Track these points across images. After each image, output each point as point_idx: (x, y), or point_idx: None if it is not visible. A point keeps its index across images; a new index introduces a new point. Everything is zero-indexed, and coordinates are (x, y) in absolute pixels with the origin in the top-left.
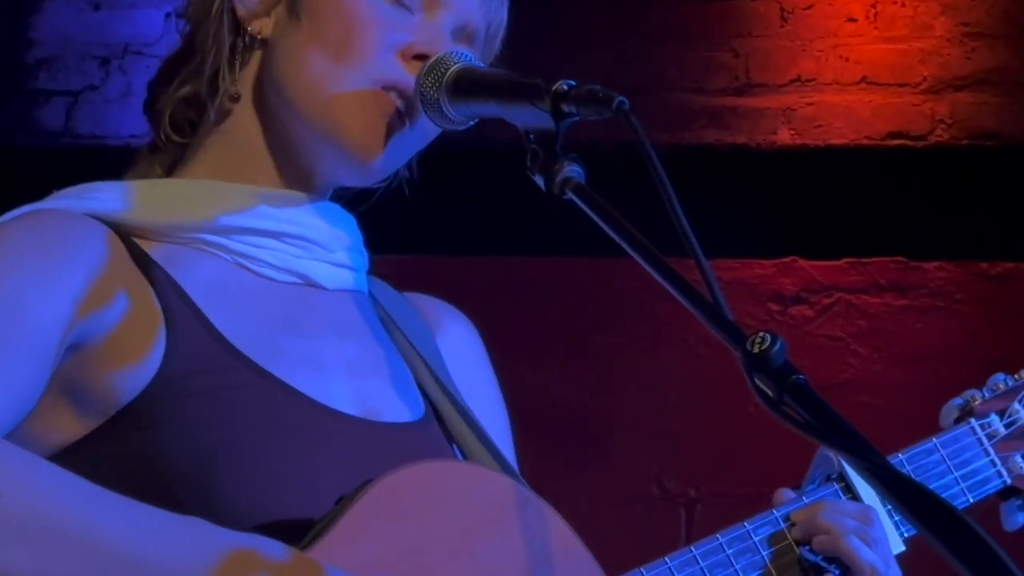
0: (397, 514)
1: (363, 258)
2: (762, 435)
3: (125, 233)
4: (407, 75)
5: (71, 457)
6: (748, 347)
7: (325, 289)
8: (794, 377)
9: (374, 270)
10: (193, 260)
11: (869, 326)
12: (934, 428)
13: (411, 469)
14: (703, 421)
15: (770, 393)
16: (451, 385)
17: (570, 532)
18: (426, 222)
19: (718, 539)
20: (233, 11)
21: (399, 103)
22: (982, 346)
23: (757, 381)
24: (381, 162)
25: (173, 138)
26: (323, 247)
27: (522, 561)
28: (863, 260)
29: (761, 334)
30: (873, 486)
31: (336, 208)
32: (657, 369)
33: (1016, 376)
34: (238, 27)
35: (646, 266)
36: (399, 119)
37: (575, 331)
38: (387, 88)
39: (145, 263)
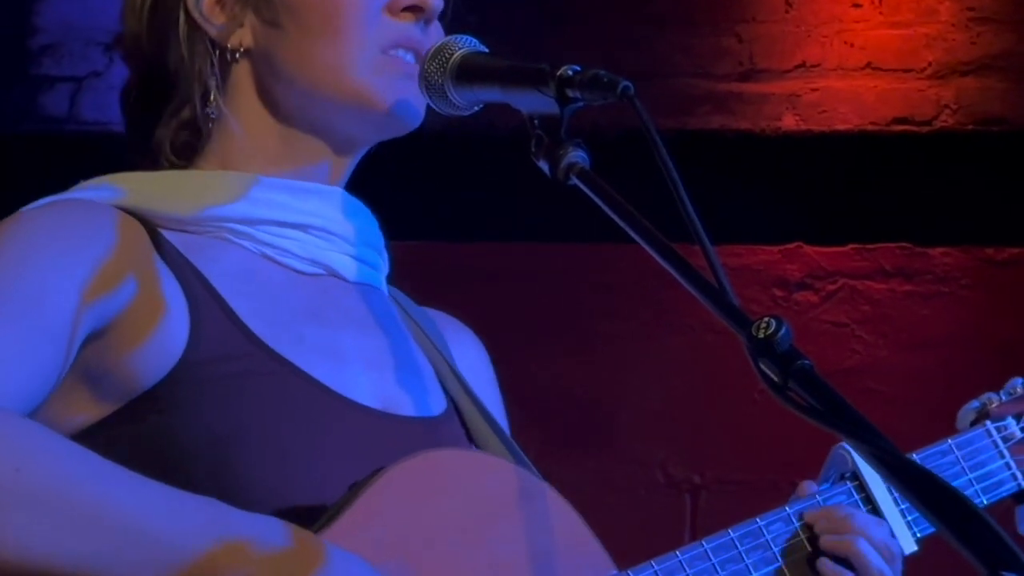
0: (409, 500)
1: (383, 260)
2: (768, 422)
3: (150, 223)
4: (405, 29)
5: (89, 439)
6: (753, 332)
7: (348, 281)
8: (799, 362)
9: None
10: (218, 250)
11: (874, 312)
12: (939, 414)
13: (424, 456)
14: (708, 408)
15: (775, 378)
16: (470, 387)
17: (582, 524)
18: (431, 208)
19: (730, 534)
20: (201, 30)
21: (410, 59)
22: (987, 332)
23: (762, 366)
24: (417, 115)
25: (178, 163)
26: (346, 240)
27: (532, 550)
28: (868, 246)
29: (766, 319)
30: (878, 471)
31: (359, 205)
32: (662, 355)
33: None
34: (212, 45)
35: (651, 251)
36: (414, 73)
37: (580, 317)
38: (394, 48)
39: (169, 252)
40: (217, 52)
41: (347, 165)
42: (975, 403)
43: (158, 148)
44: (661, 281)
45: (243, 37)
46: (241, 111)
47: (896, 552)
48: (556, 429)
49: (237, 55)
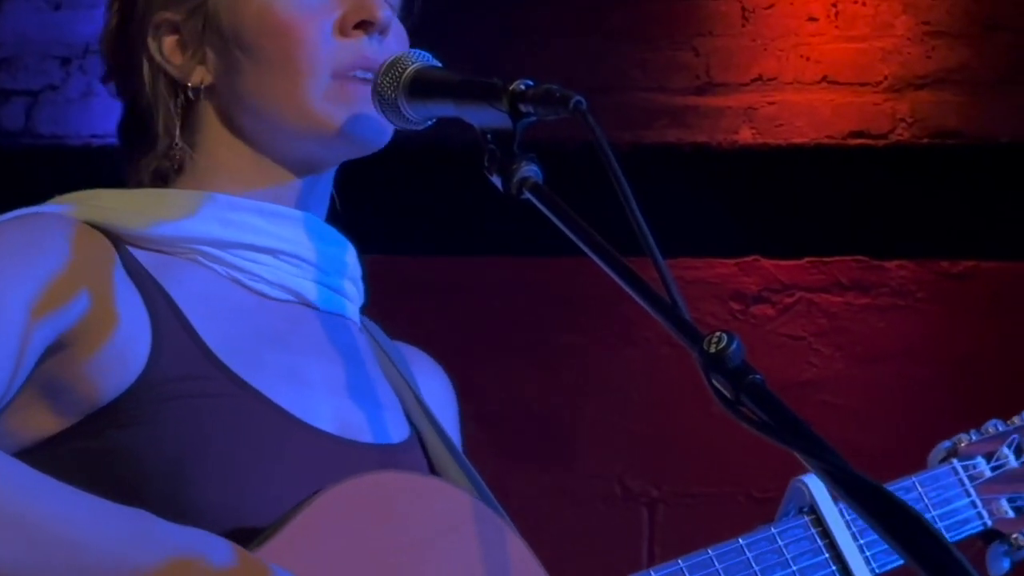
0: (346, 521)
1: (359, 291)
2: (725, 435)
3: (120, 240)
4: (359, 49)
5: (43, 452)
6: (705, 347)
7: (318, 309)
8: (751, 377)
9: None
10: (186, 271)
11: (830, 325)
12: (895, 426)
13: (365, 478)
14: (666, 421)
15: (727, 393)
16: (435, 417)
17: (528, 552)
18: (392, 222)
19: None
20: (164, 73)
21: (365, 78)
22: (943, 345)
23: (714, 381)
24: (380, 133)
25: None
26: (318, 268)
27: (473, 573)
28: (824, 259)
29: (718, 334)
30: (829, 486)
31: (333, 233)
32: (620, 369)
33: (1009, 422)
34: (175, 85)
35: (603, 265)
36: (367, 93)
37: (538, 331)
38: (350, 71)
39: (135, 270)
40: (180, 92)
41: (321, 185)
42: (947, 443)
43: (134, 177)
44: (619, 294)
45: (203, 75)
46: (210, 144)
47: None
48: (514, 442)
49: (200, 93)
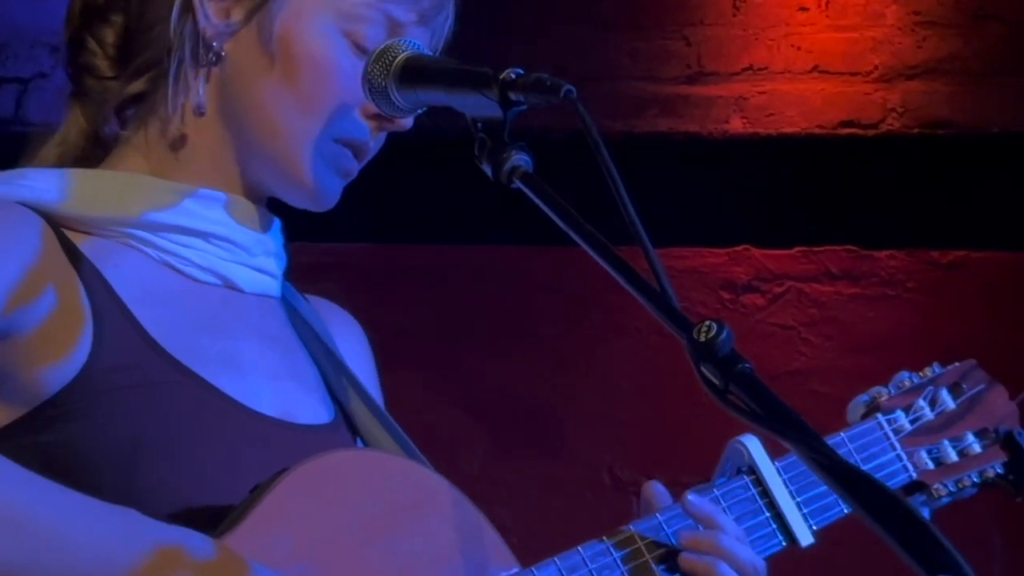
0: (313, 501)
1: (282, 263)
2: (714, 424)
3: (55, 223)
4: (365, 134)
5: None
6: (694, 336)
7: (244, 293)
8: (740, 366)
9: (333, 259)
10: (121, 255)
11: (820, 314)
12: None
13: (327, 457)
14: (656, 410)
15: (716, 382)
16: (362, 386)
17: (485, 521)
18: (380, 210)
19: (579, 552)
20: (195, 18)
21: (355, 161)
22: (933, 334)
23: (703, 370)
24: (330, 205)
25: (120, 132)
26: (246, 251)
27: (438, 549)
28: (815, 249)
29: (707, 323)
30: (820, 476)
31: (263, 212)
32: (610, 358)
33: (921, 374)
34: (197, 35)
35: (593, 254)
36: (351, 172)
37: (528, 320)
38: (346, 144)
39: (75, 256)
40: (197, 43)
41: (257, 206)
42: (864, 397)
43: (105, 95)
44: (609, 284)
45: (227, 43)
46: (186, 110)
47: (760, 568)
48: (504, 432)
49: (210, 57)
